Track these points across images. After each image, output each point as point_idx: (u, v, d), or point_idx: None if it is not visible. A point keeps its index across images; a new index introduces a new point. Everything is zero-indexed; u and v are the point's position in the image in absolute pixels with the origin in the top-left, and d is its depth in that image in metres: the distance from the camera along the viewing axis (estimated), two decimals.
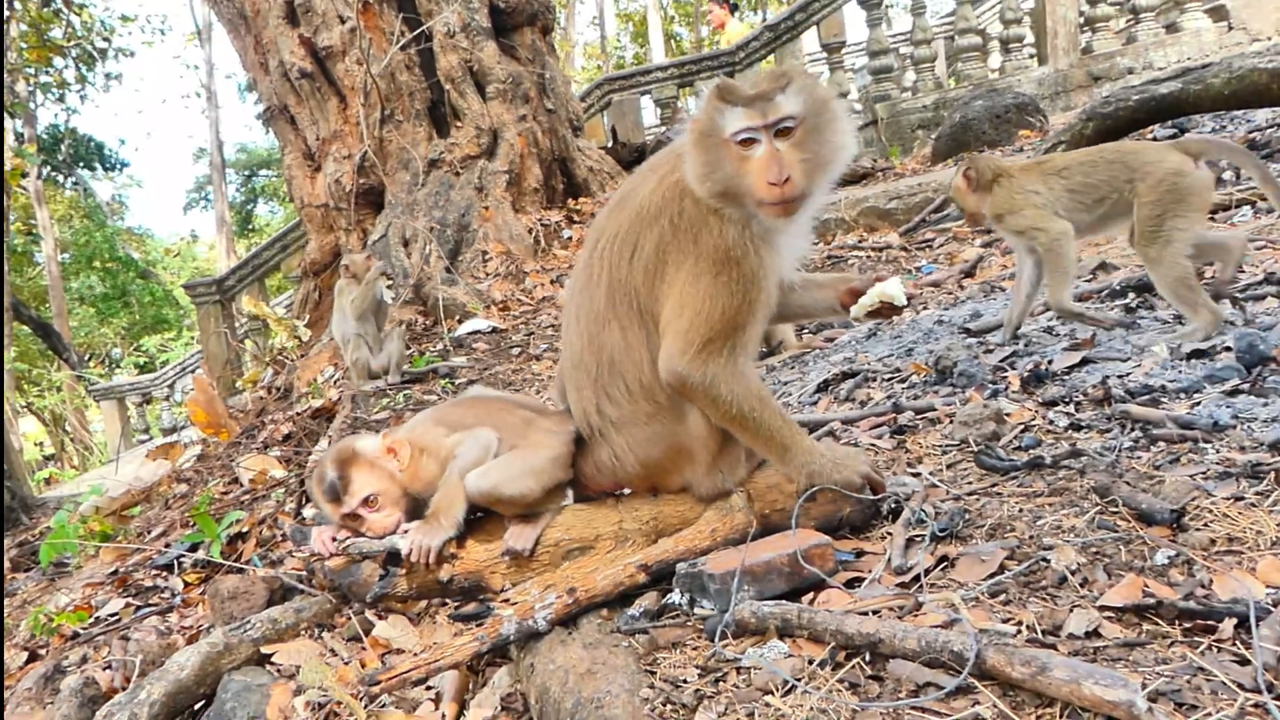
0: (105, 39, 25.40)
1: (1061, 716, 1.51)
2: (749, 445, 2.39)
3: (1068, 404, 2.97)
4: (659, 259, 2.28)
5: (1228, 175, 5.72)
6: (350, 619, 3.09)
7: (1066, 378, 3.23)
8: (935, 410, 3.23)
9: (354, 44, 9.03)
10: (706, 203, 2.23)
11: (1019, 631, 1.76)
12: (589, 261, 2.45)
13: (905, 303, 2.47)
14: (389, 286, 5.97)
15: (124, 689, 3.05)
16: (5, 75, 20.81)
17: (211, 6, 10.84)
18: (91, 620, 4.15)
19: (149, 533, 5.41)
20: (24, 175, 21.68)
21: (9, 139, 21.51)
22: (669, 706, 1.78)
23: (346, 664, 2.83)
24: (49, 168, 28.75)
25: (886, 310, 2.48)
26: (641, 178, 2.44)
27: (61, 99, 26.90)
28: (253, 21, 9.81)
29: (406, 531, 2.42)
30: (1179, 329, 3.48)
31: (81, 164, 31.18)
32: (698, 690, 1.81)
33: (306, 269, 10.06)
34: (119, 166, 32.59)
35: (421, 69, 9.33)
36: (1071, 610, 1.79)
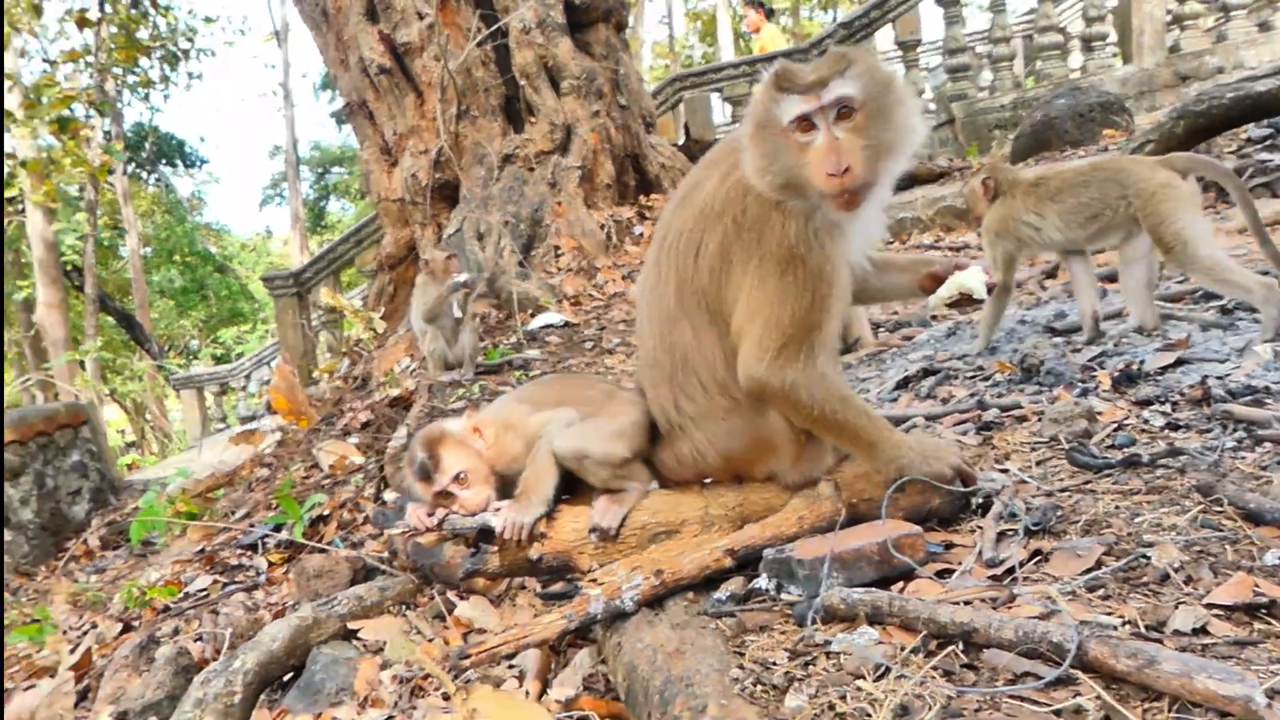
0: (189, 39, 26.15)
1: (1170, 711, 1.47)
2: (834, 443, 2.37)
3: (1163, 404, 2.90)
4: (723, 260, 2.26)
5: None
6: (433, 598, 3.15)
7: (1160, 378, 3.16)
8: (1022, 408, 3.18)
9: (432, 40, 9.17)
10: (768, 197, 2.18)
11: (1121, 625, 1.72)
12: (657, 260, 2.44)
13: (985, 295, 2.42)
14: (464, 284, 6.00)
15: (215, 659, 3.16)
16: (93, 75, 21.58)
17: (295, 4, 11.09)
18: (181, 595, 4.30)
19: (233, 514, 5.57)
20: (110, 172, 22.42)
21: (98, 136, 22.26)
22: (759, 687, 1.77)
23: (430, 641, 2.89)
24: (133, 164, 29.72)
25: (965, 302, 2.44)
26: (705, 171, 2.41)
27: (146, 98, 27.78)
28: (334, 18, 10.03)
29: (498, 509, 2.45)
30: (1258, 326, 3.47)
31: (164, 161, 32.17)
32: (787, 673, 1.81)
33: (382, 262, 10.24)
34: (199, 163, 33.57)
35: (497, 65, 9.43)
36: (1177, 607, 1.75)
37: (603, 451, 2.44)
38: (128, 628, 4.14)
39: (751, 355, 2.22)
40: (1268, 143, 7.11)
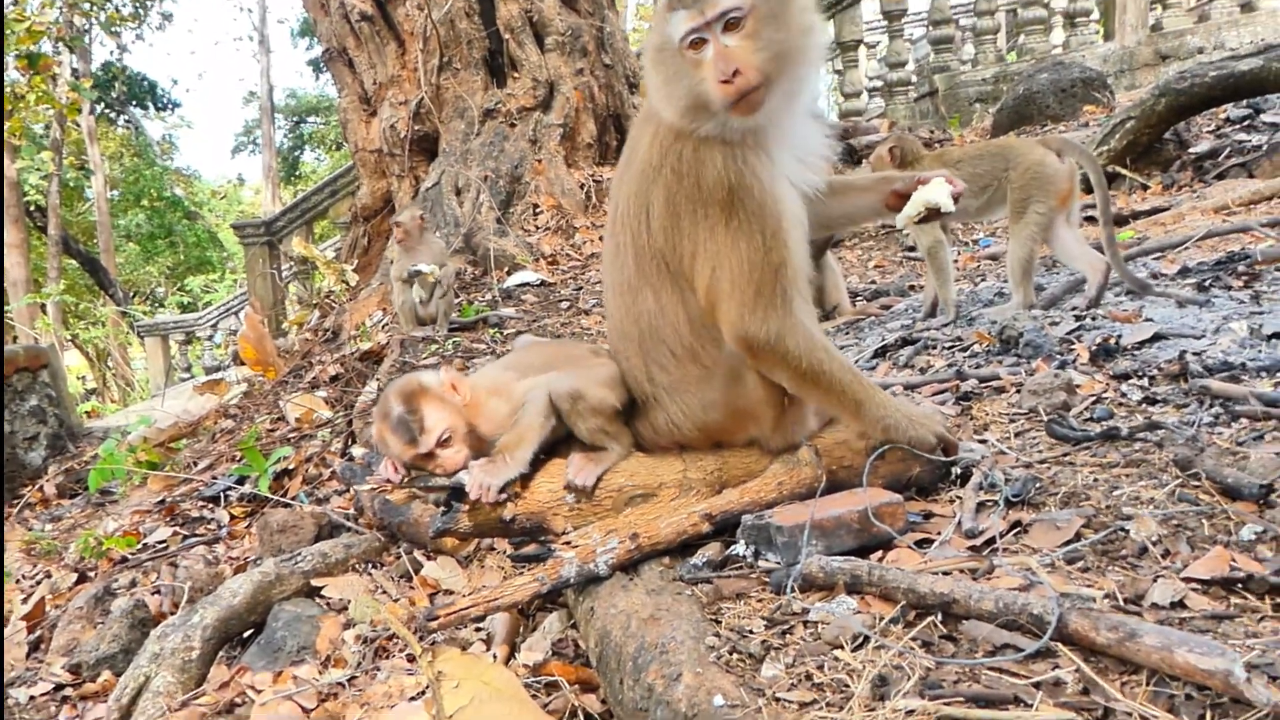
0: None
1: (1148, 684, 1.46)
2: (820, 404, 2.32)
3: (1141, 378, 2.89)
4: (672, 215, 2.20)
5: None
6: (400, 557, 3.11)
7: (1137, 353, 3.15)
8: (1000, 379, 3.16)
9: None
10: (679, 127, 2.14)
11: (1101, 598, 1.71)
12: (613, 229, 2.39)
13: (952, 208, 2.36)
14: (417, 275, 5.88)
15: (172, 613, 3.10)
16: (62, 10, 20.92)
17: None
18: (140, 546, 4.22)
19: (196, 465, 5.48)
20: (79, 111, 21.84)
21: (65, 73, 21.64)
22: (735, 655, 1.74)
23: (396, 601, 2.85)
24: (102, 104, 28.97)
25: (933, 216, 2.40)
26: (640, 129, 2.34)
27: (117, 35, 27.02)
28: None
29: (470, 469, 2.39)
30: (1003, 305, 4.24)
31: (134, 102, 31.39)
32: (764, 641, 1.78)
33: (357, 214, 10.07)
34: (171, 106, 32.79)
35: (481, 17, 9.20)
36: (1155, 580, 1.74)
37: (598, 397, 2.39)
38: (83, 578, 4.06)
39: (732, 314, 2.17)
40: (1246, 123, 7.14)
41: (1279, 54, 5.94)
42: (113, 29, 25.81)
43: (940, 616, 1.75)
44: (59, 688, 2.87)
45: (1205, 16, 11.59)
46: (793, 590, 1.93)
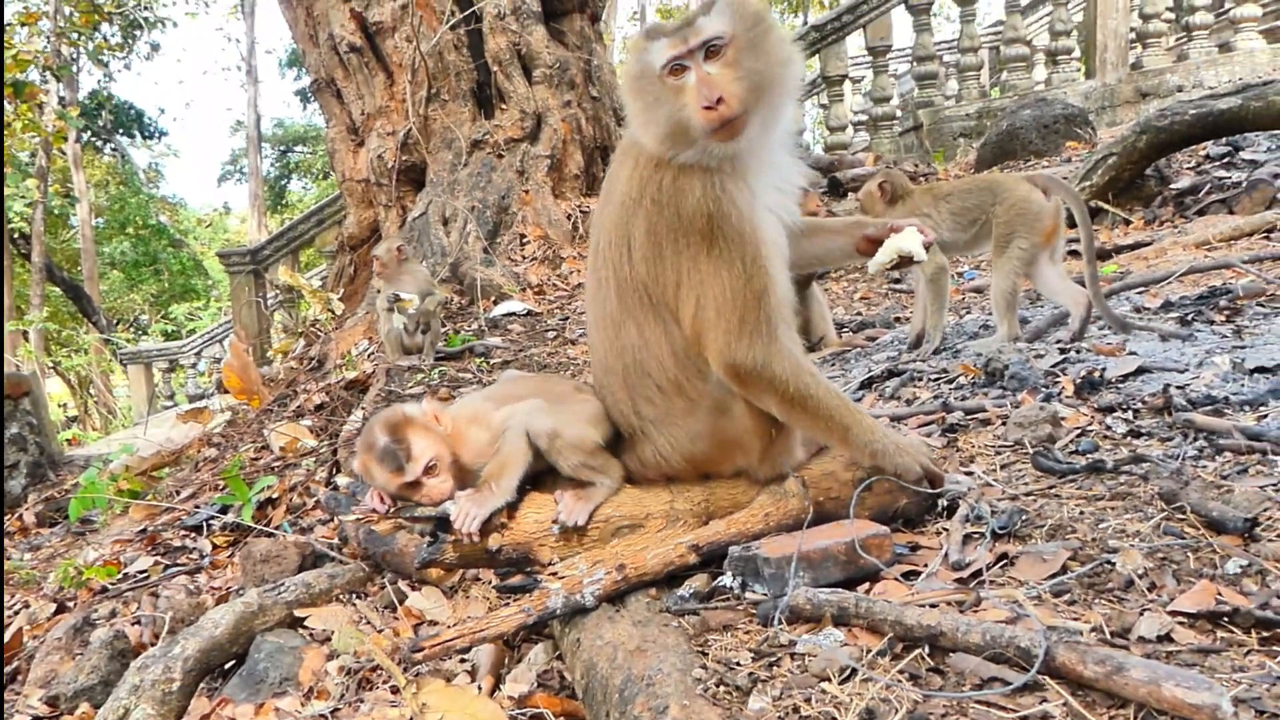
0: (148, 8, 25.58)
1: (1136, 718, 1.46)
2: (808, 430, 2.31)
3: (1125, 411, 2.91)
4: (654, 245, 2.21)
5: None
6: (384, 588, 3.08)
7: (1122, 385, 3.17)
8: (986, 411, 3.17)
9: (405, 21, 9.04)
10: (659, 155, 2.16)
11: (1088, 631, 1.71)
12: (594, 265, 2.40)
13: (924, 256, 2.40)
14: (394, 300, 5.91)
15: (153, 644, 3.06)
16: (50, 39, 20.98)
17: None
18: (120, 576, 4.17)
19: (178, 494, 5.42)
20: (64, 139, 21.85)
21: (52, 101, 21.66)
22: (722, 688, 1.73)
23: (380, 632, 2.82)
24: (89, 133, 28.96)
25: (905, 264, 2.43)
26: (619, 164, 2.36)
27: (105, 65, 27.09)
28: None
29: (456, 499, 2.38)
30: (988, 338, 4.25)
31: (121, 130, 31.42)
32: (751, 673, 1.77)
33: (344, 243, 10.09)
34: (158, 135, 32.82)
35: (469, 49, 9.30)
36: (1142, 613, 1.74)
37: (577, 434, 2.38)
38: (62, 608, 4.00)
39: (718, 342, 2.17)
40: (1225, 160, 7.24)
41: (1256, 93, 6.03)
42: (100, 58, 25.89)
43: (927, 649, 1.74)
44: None
45: (1184, 56, 11.80)
46: (780, 622, 1.92)
